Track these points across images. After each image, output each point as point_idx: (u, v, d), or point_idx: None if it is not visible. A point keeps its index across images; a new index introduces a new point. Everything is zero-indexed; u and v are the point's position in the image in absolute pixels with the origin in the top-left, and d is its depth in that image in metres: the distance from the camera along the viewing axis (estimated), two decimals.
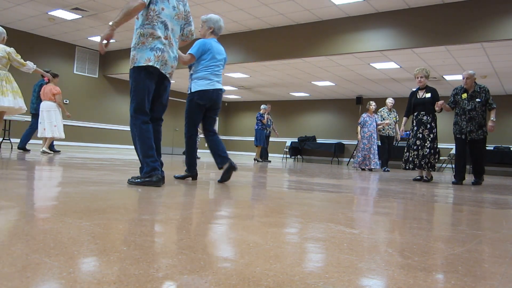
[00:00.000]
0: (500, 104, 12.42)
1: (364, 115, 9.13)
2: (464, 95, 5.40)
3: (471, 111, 5.32)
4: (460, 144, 5.46)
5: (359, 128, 9.19)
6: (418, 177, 5.80)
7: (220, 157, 3.58)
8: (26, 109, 5.61)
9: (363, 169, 9.07)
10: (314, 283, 0.95)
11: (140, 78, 2.87)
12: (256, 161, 11.19)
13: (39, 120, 7.73)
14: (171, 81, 3.15)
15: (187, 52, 3.60)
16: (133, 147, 3.08)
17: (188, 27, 3.23)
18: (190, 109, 3.63)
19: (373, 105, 9.05)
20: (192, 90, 3.58)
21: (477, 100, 5.31)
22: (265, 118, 11.17)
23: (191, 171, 3.69)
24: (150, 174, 2.84)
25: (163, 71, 2.95)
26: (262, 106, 11.39)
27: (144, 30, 2.86)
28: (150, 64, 2.84)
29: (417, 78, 5.82)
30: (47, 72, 7.99)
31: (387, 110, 9.33)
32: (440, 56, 8.50)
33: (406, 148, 5.84)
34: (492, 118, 5.32)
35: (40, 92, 7.88)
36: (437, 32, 7.41)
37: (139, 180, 2.87)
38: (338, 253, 1.26)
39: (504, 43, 7.14)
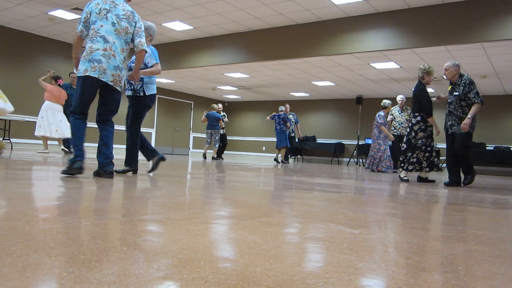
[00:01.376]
0: (500, 104, 12.45)
1: (382, 113, 8.80)
2: (450, 87, 5.21)
3: (450, 104, 5.12)
4: (446, 139, 5.26)
5: (384, 128, 8.78)
6: (407, 178, 5.65)
7: (149, 150, 4.21)
8: (12, 109, 5.68)
9: (377, 171, 8.76)
10: (314, 283, 0.95)
11: (80, 85, 3.34)
12: (282, 163, 11.22)
13: (50, 121, 7.90)
14: (118, 89, 3.48)
15: (153, 63, 3.94)
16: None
17: (138, 39, 3.51)
18: (142, 111, 4.07)
19: (387, 103, 8.80)
20: (147, 94, 4.01)
21: (455, 93, 5.05)
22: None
23: (134, 165, 4.09)
24: (74, 161, 3.24)
25: (103, 79, 3.32)
26: (282, 108, 11.23)
27: (86, 46, 3.34)
28: (87, 74, 3.27)
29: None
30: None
31: (398, 109, 8.92)
32: (440, 56, 8.50)
33: (411, 148, 5.54)
34: (468, 116, 4.91)
35: (54, 94, 7.97)
36: (437, 32, 7.41)
37: (65, 168, 3.26)
38: (338, 253, 1.26)
39: (504, 43, 7.14)
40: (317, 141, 15.55)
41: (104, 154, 3.43)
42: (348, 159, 14.61)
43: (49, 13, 9.29)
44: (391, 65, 9.67)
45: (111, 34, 3.33)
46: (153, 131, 15.35)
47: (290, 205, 2.38)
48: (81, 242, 1.19)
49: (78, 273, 0.91)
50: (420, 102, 5.46)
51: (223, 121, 11.26)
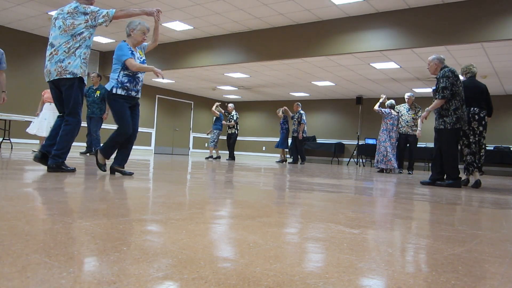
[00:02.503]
0: (500, 104, 12.44)
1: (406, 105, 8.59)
2: None
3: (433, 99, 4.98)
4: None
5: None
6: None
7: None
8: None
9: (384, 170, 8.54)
10: (314, 283, 0.95)
11: None
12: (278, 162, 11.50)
13: (50, 121, 7.97)
14: (66, 77, 3.68)
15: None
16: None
17: (101, 20, 3.70)
18: None
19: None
20: None
21: (433, 88, 4.95)
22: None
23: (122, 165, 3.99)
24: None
25: (51, 79, 3.70)
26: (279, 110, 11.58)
27: None
28: (46, 81, 3.79)
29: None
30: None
31: (407, 106, 8.66)
32: None
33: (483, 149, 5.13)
34: (426, 108, 4.80)
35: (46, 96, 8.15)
36: (437, 32, 7.41)
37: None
38: (338, 253, 1.26)
39: (504, 43, 7.14)
40: (317, 141, 15.54)
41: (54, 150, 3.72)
42: (348, 159, 14.61)
43: (49, 13, 9.29)
44: (391, 65, 9.67)
45: (57, 37, 3.66)
46: (153, 131, 15.34)
47: (290, 205, 2.38)
48: (81, 242, 1.19)
49: (78, 273, 0.91)
50: (487, 99, 5.11)
51: (226, 122, 11.82)
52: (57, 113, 8.03)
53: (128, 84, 3.75)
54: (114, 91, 3.72)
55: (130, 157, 8.17)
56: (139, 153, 11.93)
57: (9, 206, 1.74)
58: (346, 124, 15.19)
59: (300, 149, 11.36)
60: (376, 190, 3.87)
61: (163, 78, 3.98)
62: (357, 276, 1.04)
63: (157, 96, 15.44)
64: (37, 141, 11.16)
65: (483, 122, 5.00)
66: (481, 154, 5.03)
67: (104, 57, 12.98)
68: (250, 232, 1.51)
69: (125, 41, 3.84)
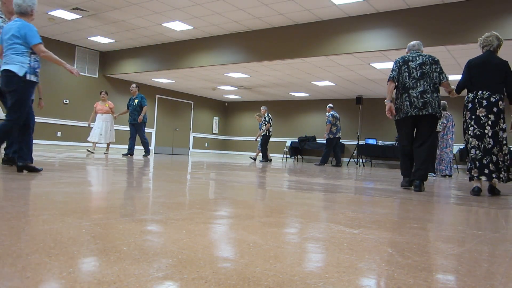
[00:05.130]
0: None
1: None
2: None
3: None
4: None
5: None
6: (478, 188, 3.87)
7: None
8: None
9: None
10: (314, 283, 0.95)
11: None
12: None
13: (97, 127, 9.46)
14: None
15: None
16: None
17: None
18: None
19: None
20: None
21: None
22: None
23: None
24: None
25: None
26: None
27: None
28: None
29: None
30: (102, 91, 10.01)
31: None
32: (440, 56, 8.49)
33: (499, 146, 3.87)
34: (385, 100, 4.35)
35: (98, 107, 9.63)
36: (437, 32, 7.41)
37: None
38: (338, 253, 1.26)
39: (504, 43, 7.13)
40: (317, 141, 15.54)
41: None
42: (348, 159, 14.61)
43: (49, 13, 9.29)
44: (391, 65, 9.65)
45: None
46: (153, 131, 15.34)
47: (290, 205, 2.38)
48: (81, 242, 1.19)
49: (78, 273, 0.91)
50: (507, 80, 3.88)
51: (260, 129, 11.98)
52: (108, 122, 9.46)
53: (38, 70, 3.55)
54: (28, 77, 3.44)
55: (133, 158, 8.17)
56: (139, 153, 11.92)
57: (9, 206, 1.74)
58: (346, 124, 15.18)
59: (325, 151, 11.12)
60: (375, 190, 3.86)
61: (77, 75, 3.85)
62: (357, 276, 1.04)
63: (157, 96, 15.44)
64: (36, 141, 11.18)
65: (495, 110, 3.79)
66: (503, 153, 3.83)
67: (103, 57, 12.98)
68: (250, 232, 1.51)
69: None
